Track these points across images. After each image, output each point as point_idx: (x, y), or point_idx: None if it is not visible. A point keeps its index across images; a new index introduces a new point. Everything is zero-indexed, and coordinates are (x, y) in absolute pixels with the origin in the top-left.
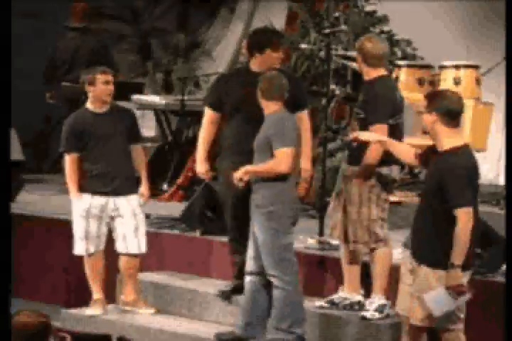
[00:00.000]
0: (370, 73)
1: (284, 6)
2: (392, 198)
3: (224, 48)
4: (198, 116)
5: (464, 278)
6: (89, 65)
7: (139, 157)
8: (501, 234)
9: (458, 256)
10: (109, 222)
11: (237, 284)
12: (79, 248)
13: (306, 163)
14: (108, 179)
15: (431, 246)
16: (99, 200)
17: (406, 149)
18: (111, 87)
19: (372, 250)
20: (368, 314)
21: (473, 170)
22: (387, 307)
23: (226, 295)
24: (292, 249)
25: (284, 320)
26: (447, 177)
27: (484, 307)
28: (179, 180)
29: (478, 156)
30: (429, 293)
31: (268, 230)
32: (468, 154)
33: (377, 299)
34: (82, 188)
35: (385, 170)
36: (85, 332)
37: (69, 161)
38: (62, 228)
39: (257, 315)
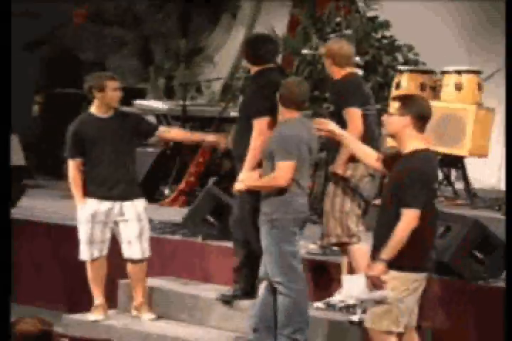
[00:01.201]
0: (339, 73)
1: (285, 11)
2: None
3: (226, 54)
4: (199, 121)
5: (421, 280)
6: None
7: (175, 131)
8: (503, 239)
9: (388, 251)
10: (113, 226)
11: (237, 289)
12: (84, 253)
13: None
14: (114, 184)
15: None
16: (105, 205)
17: (367, 150)
18: (119, 93)
19: (346, 245)
20: (354, 317)
21: (429, 174)
22: None
23: (227, 300)
24: (298, 256)
25: (287, 326)
26: (402, 178)
27: (485, 312)
28: (181, 185)
29: (480, 161)
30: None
31: (271, 237)
32: (427, 158)
33: None
34: (88, 193)
35: (350, 167)
36: (86, 338)
37: (73, 167)
38: (64, 233)
39: (263, 321)
